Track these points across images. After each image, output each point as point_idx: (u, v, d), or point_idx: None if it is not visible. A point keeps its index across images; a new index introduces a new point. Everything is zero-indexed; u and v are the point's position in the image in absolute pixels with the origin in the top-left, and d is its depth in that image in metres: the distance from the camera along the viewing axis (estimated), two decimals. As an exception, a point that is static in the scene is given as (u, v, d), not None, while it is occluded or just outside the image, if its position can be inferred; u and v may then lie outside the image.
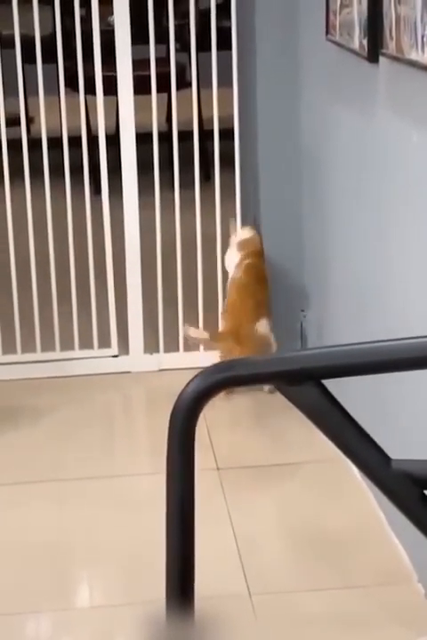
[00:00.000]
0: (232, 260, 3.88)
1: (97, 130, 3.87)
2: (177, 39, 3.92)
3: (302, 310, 3.87)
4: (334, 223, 3.44)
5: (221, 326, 3.83)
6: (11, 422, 3.63)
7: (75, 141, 3.86)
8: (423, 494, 1.31)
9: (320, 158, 3.54)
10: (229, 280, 3.85)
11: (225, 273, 3.92)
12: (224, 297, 3.92)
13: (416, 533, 1.34)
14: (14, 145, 3.88)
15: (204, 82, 3.97)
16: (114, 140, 3.97)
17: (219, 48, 3.79)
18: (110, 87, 3.86)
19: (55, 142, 3.93)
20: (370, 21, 2.71)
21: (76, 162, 3.88)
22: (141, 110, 3.96)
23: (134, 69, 3.78)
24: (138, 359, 4.00)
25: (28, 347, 3.95)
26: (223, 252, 3.94)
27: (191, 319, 3.94)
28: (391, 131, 2.75)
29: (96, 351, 4.00)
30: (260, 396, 3.63)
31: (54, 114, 4.55)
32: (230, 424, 3.70)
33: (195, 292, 3.96)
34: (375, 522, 2.93)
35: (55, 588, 2.76)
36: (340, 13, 3.04)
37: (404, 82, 2.59)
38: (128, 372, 3.99)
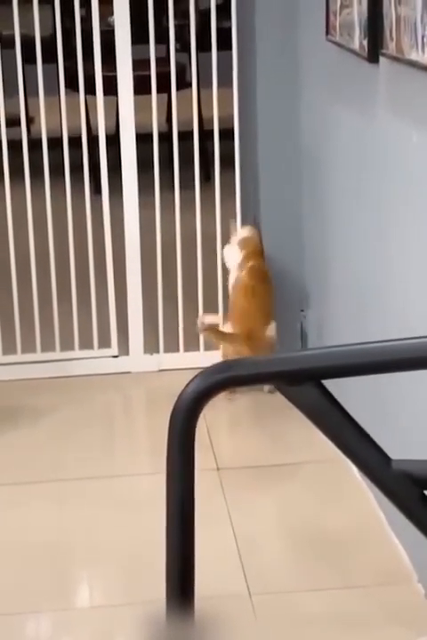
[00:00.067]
0: (233, 256, 3.87)
1: (97, 130, 3.87)
2: (177, 39, 3.92)
3: (302, 310, 3.87)
4: (334, 223, 3.44)
5: (223, 328, 3.81)
6: (11, 422, 3.63)
7: (75, 141, 3.86)
8: (423, 494, 1.31)
9: (320, 158, 3.54)
10: (233, 281, 3.83)
11: (225, 273, 3.91)
12: (225, 297, 3.91)
13: (416, 533, 1.34)
14: (14, 145, 3.88)
15: (204, 82, 3.97)
16: (114, 140, 3.97)
17: (219, 48, 3.79)
18: (110, 87, 3.86)
19: (55, 142, 3.93)
20: (370, 22, 2.71)
21: (76, 162, 3.88)
22: (141, 110, 3.96)
23: (134, 69, 3.78)
24: (138, 359, 4.00)
25: (29, 347, 3.95)
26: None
27: (191, 319, 3.94)
28: (391, 131, 2.75)
29: (96, 351, 4.00)
30: (260, 396, 3.63)
31: (54, 114, 4.56)
32: (230, 424, 3.70)
33: (195, 293, 3.96)
34: (375, 522, 2.93)
35: (55, 588, 2.76)
36: (340, 14, 3.04)
37: (404, 82, 2.59)
38: (128, 373, 3.99)
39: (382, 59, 2.70)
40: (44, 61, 3.80)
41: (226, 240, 3.92)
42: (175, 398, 1.32)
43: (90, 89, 3.84)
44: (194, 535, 1.33)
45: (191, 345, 3.98)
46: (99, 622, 2.65)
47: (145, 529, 2.89)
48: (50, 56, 3.87)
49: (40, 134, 3.85)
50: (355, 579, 2.73)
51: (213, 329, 3.75)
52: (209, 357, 3.51)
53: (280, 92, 3.78)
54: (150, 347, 4.01)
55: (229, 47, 3.79)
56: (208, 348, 3.91)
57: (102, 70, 3.80)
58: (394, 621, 2.58)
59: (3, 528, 3.04)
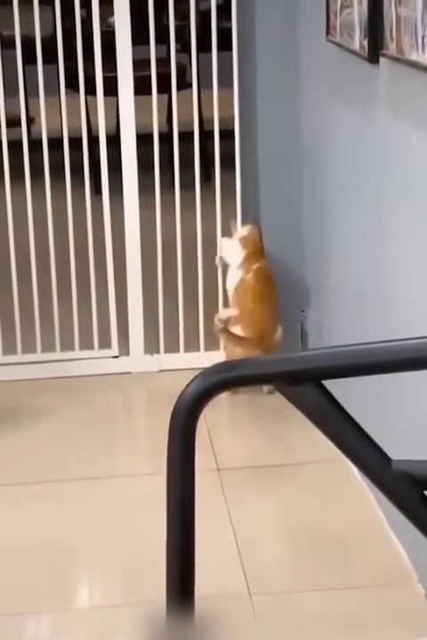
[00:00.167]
0: (232, 252, 3.85)
1: (97, 130, 3.87)
2: (177, 40, 3.93)
3: (303, 310, 3.87)
4: (334, 223, 3.44)
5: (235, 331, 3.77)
6: (11, 423, 3.63)
7: (75, 142, 3.86)
8: (424, 495, 1.31)
9: (320, 159, 3.54)
10: (237, 282, 3.80)
11: (226, 273, 3.91)
12: (225, 297, 3.91)
13: (416, 534, 1.34)
14: (15, 145, 3.88)
15: (204, 82, 3.97)
16: (114, 141, 3.97)
17: (219, 49, 3.79)
18: (111, 88, 3.86)
19: (56, 143, 3.93)
20: (370, 22, 2.71)
21: (76, 162, 3.88)
22: (142, 111, 3.96)
23: (135, 70, 3.78)
24: (138, 360, 4.00)
25: (29, 347, 3.95)
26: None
27: (191, 320, 3.94)
28: (392, 131, 2.75)
29: (96, 352, 4.00)
30: (260, 396, 3.64)
31: (55, 114, 4.55)
32: (230, 425, 3.70)
33: (195, 293, 3.96)
34: (375, 522, 2.93)
35: (55, 588, 2.76)
36: (340, 14, 3.04)
37: (404, 83, 2.59)
38: (128, 373, 3.99)
39: (382, 59, 2.70)
40: (44, 62, 3.80)
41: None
42: (176, 399, 1.32)
43: (90, 89, 3.84)
44: (194, 535, 1.33)
45: (192, 345, 3.98)
46: (99, 623, 2.65)
47: (145, 529, 2.89)
48: (50, 56, 3.87)
49: (40, 135, 3.85)
50: (355, 579, 2.73)
51: (229, 332, 3.71)
52: (209, 358, 3.51)
53: (280, 93, 3.79)
54: (151, 347, 4.01)
55: (230, 48, 3.79)
56: (208, 348, 3.92)
57: (103, 71, 3.80)
58: (394, 622, 2.58)
59: (3, 528, 3.04)
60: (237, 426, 3.69)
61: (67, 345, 3.97)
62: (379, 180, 2.87)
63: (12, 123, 3.88)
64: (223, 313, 3.74)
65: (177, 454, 1.32)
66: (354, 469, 1.46)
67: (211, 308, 3.95)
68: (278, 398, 1.33)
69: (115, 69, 3.81)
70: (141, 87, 3.91)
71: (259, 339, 3.66)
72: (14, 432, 3.58)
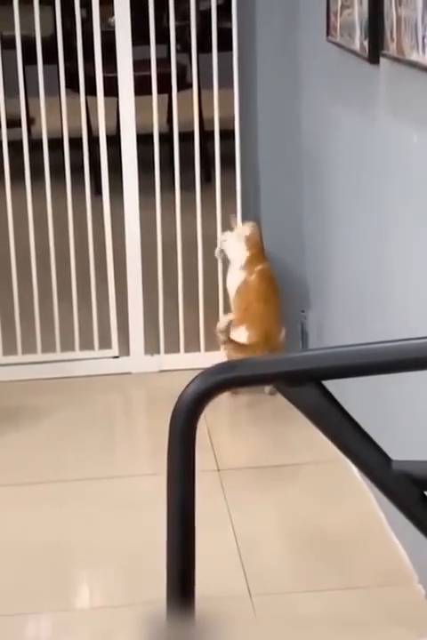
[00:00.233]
0: (235, 249, 3.83)
1: (98, 130, 3.87)
2: (178, 40, 3.92)
3: (303, 311, 3.87)
4: (334, 224, 3.44)
5: (234, 333, 3.76)
6: (11, 423, 3.63)
7: (75, 142, 3.86)
8: (424, 495, 1.31)
9: (321, 159, 3.54)
10: (239, 283, 3.80)
11: (226, 273, 3.91)
12: (225, 298, 3.91)
13: (417, 534, 1.34)
14: (15, 146, 3.88)
15: (204, 83, 3.97)
16: (115, 141, 3.97)
17: (219, 49, 3.79)
18: (111, 88, 3.86)
19: (56, 143, 3.93)
20: (371, 22, 2.71)
21: (76, 163, 3.88)
22: (142, 111, 3.96)
23: (135, 70, 3.78)
24: (138, 360, 4.00)
25: (29, 348, 3.95)
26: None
27: (192, 320, 3.94)
28: (392, 132, 2.75)
29: (97, 352, 4.00)
30: (260, 396, 3.64)
31: (55, 115, 4.55)
32: (231, 425, 3.70)
33: (196, 293, 3.96)
34: (376, 522, 2.93)
35: (55, 588, 2.76)
36: (340, 14, 3.04)
37: (404, 83, 2.59)
38: (129, 373, 3.99)
39: (382, 59, 2.70)
40: (44, 62, 3.80)
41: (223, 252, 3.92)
42: (176, 399, 1.32)
43: (90, 90, 3.84)
44: (194, 536, 1.33)
45: (192, 346, 3.98)
46: (99, 623, 2.65)
47: (145, 530, 2.89)
48: (50, 57, 3.86)
49: (41, 135, 3.85)
50: (355, 579, 2.73)
51: (232, 342, 3.68)
52: (210, 358, 3.50)
53: (281, 93, 3.79)
54: (151, 347, 4.01)
55: (230, 48, 3.79)
56: (209, 348, 3.92)
57: (103, 71, 3.80)
58: (394, 622, 2.58)
59: (3, 528, 3.04)
60: (238, 426, 3.69)
61: (67, 345, 3.97)
62: (379, 180, 2.87)
63: (13, 123, 3.88)
64: (223, 321, 3.70)
65: (177, 454, 1.32)
66: (354, 470, 1.46)
67: (211, 308, 3.95)
68: (279, 399, 1.33)
69: (115, 69, 3.81)
70: (142, 87, 3.91)
71: (264, 339, 3.66)
72: (14, 432, 3.58)
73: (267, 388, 3.60)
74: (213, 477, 3.22)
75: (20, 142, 3.84)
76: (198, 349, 3.97)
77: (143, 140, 3.93)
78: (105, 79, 3.81)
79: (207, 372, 1.33)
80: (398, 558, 2.78)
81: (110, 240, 3.91)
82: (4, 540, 2.98)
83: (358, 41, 2.83)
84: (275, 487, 3.22)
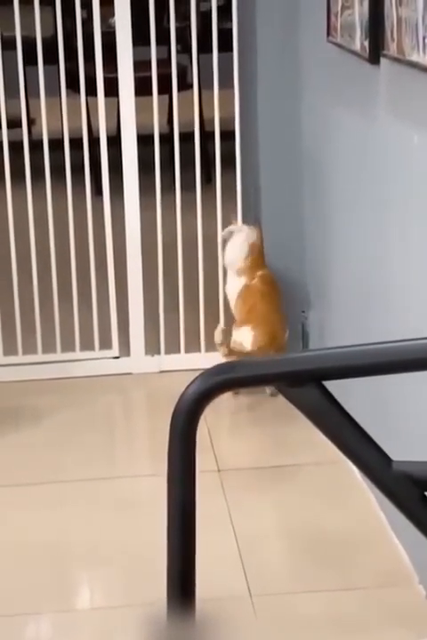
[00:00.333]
0: (237, 251, 3.82)
1: (98, 131, 3.87)
2: (178, 41, 3.92)
3: (303, 311, 3.87)
4: (334, 224, 3.44)
5: (236, 333, 3.75)
6: (11, 424, 3.63)
7: (76, 143, 3.86)
8: (424, 496, 1.31)
9: (321, 159, 3.54)
10: (241, 288, 3.79)
11: (225, 273, 3.91)
12: (225, 298, 3.91)
13: (417, 535, 1.34)
14: (16, 146, 3.88)
15: (205, 83, 3.97)
16: (115, 142, 3.97)
17: (220, 50, 3.79)
18: (111, 88, 3.86)
19: (56, 144, 3.93)
20: (371, 23, 2.71)
21: (77, 163, 3.88)
22: (143, 111, 3.96)
23: (135, 71, 3.78)
24: (139, 361, 4.00)
25: (29, 348, 3.95)
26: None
27: (192, 320, 3.94)
28: (392, 132, 2.75)
29: (97, 353, 4.00)
30: (261, 398, 3.64)
31: (55, 115, 4.55)
32: (231, 426, 3.70)
33: (196, 294, 3.96)
34: (376, 523, 2.93)
35: (55, 589, 2.76)
36: (341, 15, 3.04)
37: (405, 83, 2.59)
38: (129, 374, 3.99)
39: (383, 60, 2.70)
40: (45, 63, 3.80)
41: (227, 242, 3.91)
42: (176, 400, 1.32)
43: (91, 90, 3.84)
44: (195, 536, 1.33)
45: (192, 346, 3.98)
46: (99, 623, 2.65)
47: (146, 530, 2.89)
48: (51, 57, 3.86)
49: (41, 135, 3.85)
50: (355, 580, 2.73)
51: (237, 353, 3.66)
52: (210, 359, 3.50)
53: (281, 93, 3.79)
54: (151, 348, 4.01)
55: (230, 48, 3.79)
56: (209, 349, 3.91)
57: (103, 71, 3.80)
58: (395, 623, 2.58)
59: (3, 529, 3.04)
60: (238, 427, 3.68)
61: (67, 346, 3.97)
62: (380, 180, 2.87)
63: (13, 124, 3.88)
64: (217, 335, 3.69)
65: (178, 455, 1.32)
66: (355, 470, 1.46)
67: (212, 308, 3.95)
68: (279, 399, 1.33)
69: (115, 70, 3.81)
70: (142, 88, 3.91)
71: (270, 340, 3.65)
72: (15, 433, 3.58)
73: (268, 390, 3.60)
74: (213, 478, 3.22)
75: (21, 143, 3.84)
76: (199, 350, 3.97)
77: (144, 140, 3.93)
78: (105, 80, 3.82)
79: (208, 373, 1.32)
80: (399, 559, 2.78)
81: (111, 240, 3.91)
82: (4, 540, 2.98)
83: (359, 41, 2.83)
84: (275, 488, 3.22)
